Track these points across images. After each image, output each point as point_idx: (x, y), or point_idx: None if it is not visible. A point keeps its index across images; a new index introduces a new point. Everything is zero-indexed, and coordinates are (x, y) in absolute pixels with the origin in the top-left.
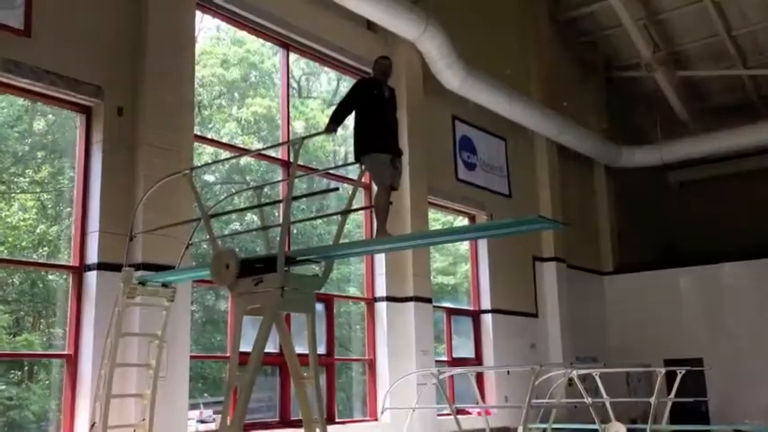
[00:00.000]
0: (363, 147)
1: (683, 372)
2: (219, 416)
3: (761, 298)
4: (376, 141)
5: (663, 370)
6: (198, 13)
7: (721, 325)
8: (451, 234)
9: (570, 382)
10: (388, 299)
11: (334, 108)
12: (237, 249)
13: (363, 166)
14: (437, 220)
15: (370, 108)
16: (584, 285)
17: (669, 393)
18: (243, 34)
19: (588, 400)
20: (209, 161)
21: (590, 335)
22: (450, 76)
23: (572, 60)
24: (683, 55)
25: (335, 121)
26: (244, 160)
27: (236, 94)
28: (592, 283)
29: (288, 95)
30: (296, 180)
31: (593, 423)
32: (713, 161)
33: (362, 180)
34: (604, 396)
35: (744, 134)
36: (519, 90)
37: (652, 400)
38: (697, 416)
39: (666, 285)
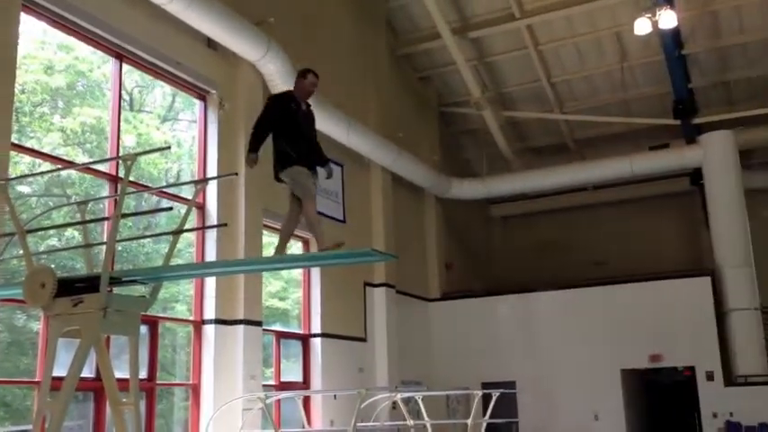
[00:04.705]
0: (283, 162)
1: (498, 394)
2: None
3: (568, 326)
4: (297, 156)
5: (479, 393)
6: (22, 14)
7: (533, 350)
8: (286, 262)
9: (394, 405)
10: (217, 321)
11: (251, 134)
12: (54, 266)
13: (285, 180)
14: (272, 244)
15: (288, 123)
16: (411, 311)
17: (485, 415)
18: (72, 40)
19: (410, 422)
20: (26, 171)
21: (416, 359)
22: None
23: (408, 93)
24: (508, 97)
25: (255, 147)
26: (65, 172)
27: (60, 103)
28: (419, 308)
29: (119, 107)
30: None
31: None
32: (532, 197)
33: (196, 200)
34: (425, 418)
35: (559, 174)
36: (357, 119)
37: (468, 421)
38: None
39: (486, 312)
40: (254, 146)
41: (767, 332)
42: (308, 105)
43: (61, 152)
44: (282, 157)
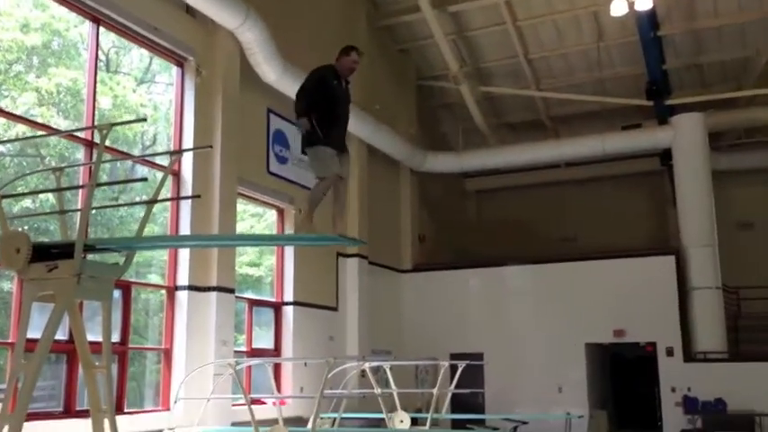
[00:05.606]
0: (311, 139)
1: (464, 365)
2: None
3: (536, 300)
4: (325, 135)
5: (446, 363)
6: None
7: (501, 323)
8: (258, 239)
9: (363, 373)
10: (191, 288)
11: (296, 102)
12: (27, 228)
13: (309, 156)
14: (246, 211)
15: (326, 99)
16: (383, 282)
17: (451, 385)
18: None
19: (378, 390)
20: (0, 130)
21: (386, 329)
22: (268, 69)
23: (387, 66)
24: (485, 72)
25: (304, 113)
26: (40, 133)
27: (34, 60)
28: (391, 280)
29: (96, 70)
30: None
31: (382, 412)
32: (505, 172)
33: (172, 168)
34: (393, 387)
35: (533, 150)
36: None
37: (434, 390)
38: (474, 406)
39: (457, 285)
40: (301, 112)
41: (727, 310)
42: (347, 84)
43: (36, 113)
44: (312, 132)
